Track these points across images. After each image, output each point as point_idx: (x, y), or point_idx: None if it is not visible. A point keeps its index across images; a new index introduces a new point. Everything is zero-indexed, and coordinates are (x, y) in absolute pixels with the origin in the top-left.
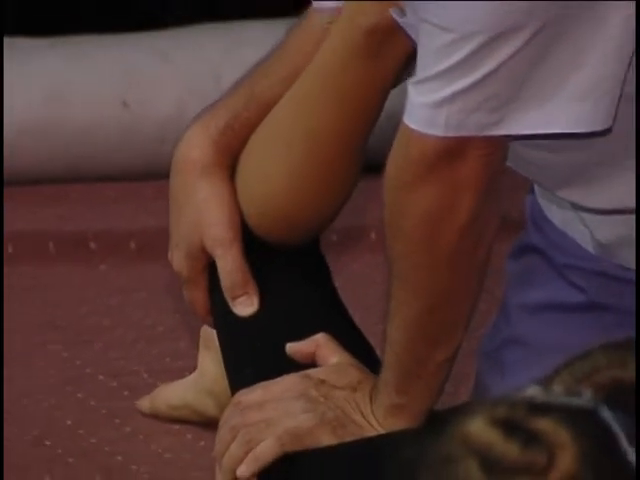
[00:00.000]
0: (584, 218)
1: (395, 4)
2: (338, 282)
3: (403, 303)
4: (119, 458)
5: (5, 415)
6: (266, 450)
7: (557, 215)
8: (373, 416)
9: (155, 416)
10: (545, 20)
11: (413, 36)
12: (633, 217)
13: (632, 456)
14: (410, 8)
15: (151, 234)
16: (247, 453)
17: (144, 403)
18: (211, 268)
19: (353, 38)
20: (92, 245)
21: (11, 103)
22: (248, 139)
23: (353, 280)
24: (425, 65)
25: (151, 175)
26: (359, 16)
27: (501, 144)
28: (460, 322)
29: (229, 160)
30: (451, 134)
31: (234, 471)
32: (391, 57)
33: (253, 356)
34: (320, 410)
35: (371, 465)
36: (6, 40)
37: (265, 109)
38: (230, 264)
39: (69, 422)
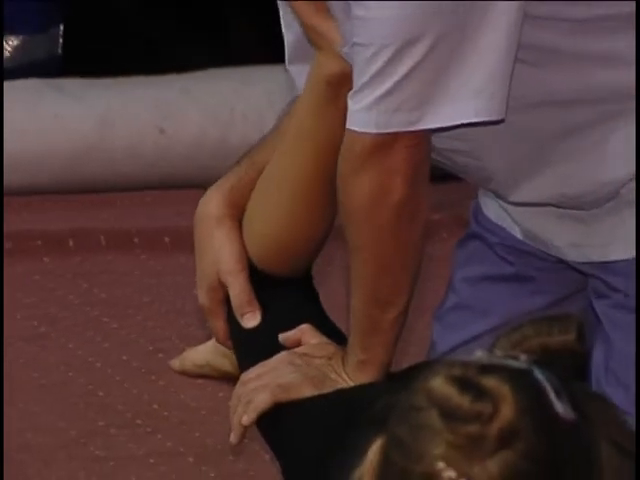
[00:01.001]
0: (507, 208)
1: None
2: (329, 269)
3: (357, 272)
4: (155, 406)
5: (67, 373)
6: (262, 400)
7: (491, 209)
8: (345, 374)
9: (183, 373)
10: (440, 30)
11: (352, 62)
12: (544, 210)
13: (559, 408)
14: (345, 39)
15: (181, 231)
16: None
17: (175, 362)
18: (228, 301)
19: (317, 87)
20: (135, 239)
21: (71, 130)
22: (250, 196)
23: (338, 266)
24: (356, 79)
25: (181, 185)
26: (320, 69)
27: (424, 137)
28: (404, 286)
29: (237, 213)
30: (381, 131)
31: (242, 425)
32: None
33: (256, 355)
34: (303, 371)
35: (346, 410)
36: (67, 80)
37: (261, 172)
38: (238, 289)
39: (118, 378)
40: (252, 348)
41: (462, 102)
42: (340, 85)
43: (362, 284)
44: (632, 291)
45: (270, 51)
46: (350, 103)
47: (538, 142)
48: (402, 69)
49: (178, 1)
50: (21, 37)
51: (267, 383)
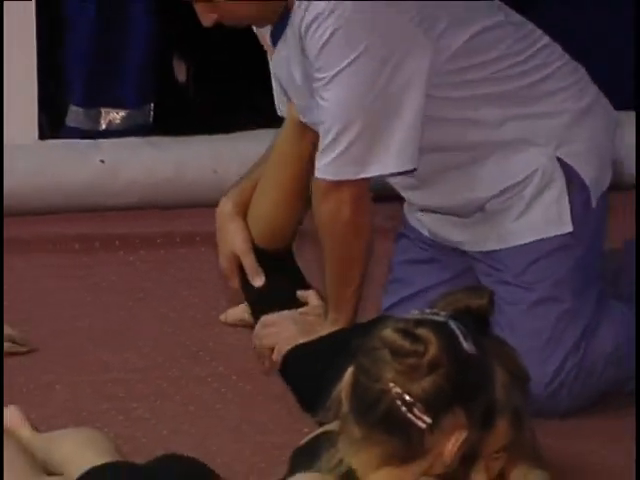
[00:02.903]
0: (420, 219)
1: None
2: (307, 256)
3: (328, 263)
4: (210, 344)
5: (156, 324)
6: (280, 351)
7: (412, 219)
8: (326, 326)
9: (227, 323)
10: (371, 112)
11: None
12: (442, 218)
13: (465, 346)
14: (302, 112)
15: None
16: (270, 347)
17: (223, 316)
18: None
19: (291, 126)
20: (197, 238)
21: (158, 170)
22: (251, 199)
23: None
24: (320, 143)
25: None
26: (292, 115)
27: (363, 182)
28: (356, 273)
29: (242, 210)
30: (336, 178)
31: (273, 366)
32: (309, 138)
33: (261, 306)
34: (299, 327)
35: (332, 351)
36: (155, 138)
37: (256, 183)
38: (248, 263)
39: (187, 325)
40: (257, 301)
41: (388, 160)
42: (303, 129)
43: (330, 269)
44: (502, 268)
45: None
46: (317, 161)
47: (433, 172)
48: (347, 139)
49: (231, 86)
50: (126, 111)
51: (278, 338)
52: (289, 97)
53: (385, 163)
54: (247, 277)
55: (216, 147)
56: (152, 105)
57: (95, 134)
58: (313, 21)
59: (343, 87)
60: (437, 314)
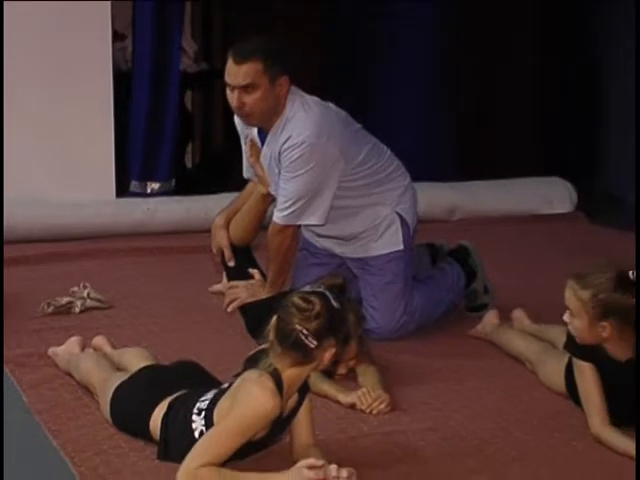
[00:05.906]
0: (313, 237)
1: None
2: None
3: (271, 265)
4: (204, 301)
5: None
6: (236, 305)
7: (310, 236)
8: (263, 294)
9: (213, 293)
10: (310, 192)
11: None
12: (330, 239)
13: (334, 304)
14: (271, 184)
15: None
16: (233, 301)
17: (210, 288)
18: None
19: (257, 193)
20: (197, 249)
21: (176, 214)
22: (233, 219)
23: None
24: (278, 203)
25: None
26: (259, 190)
27: (299, 227)
28: (287, 271)
29: (227, 223)
30: (284, 223)
31: (231, 310)
32: (267, 200)
33: (232, 275)
34: (249, 291)
35: (269, 307)
36: (175, 197)
37: (236, 210)
38: (227, 252)
39: (194, 292)
40: (232, 274)
41: (313, 218)
42: (265, 196)
43: (272, 268)
44: (368, 266)
45: None
46: (275, 212)
47: (332, 219)
48: (294, 207)
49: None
50: (160, 182)
51: (237, 297)
52: (258, 176)
53: (313, 219)
54: (225, 259)
55: (207, 202)
56: (174, 180)
57: (144, 195)
58: (288, 147)
59: (298, 182)
60: (320, 287)
